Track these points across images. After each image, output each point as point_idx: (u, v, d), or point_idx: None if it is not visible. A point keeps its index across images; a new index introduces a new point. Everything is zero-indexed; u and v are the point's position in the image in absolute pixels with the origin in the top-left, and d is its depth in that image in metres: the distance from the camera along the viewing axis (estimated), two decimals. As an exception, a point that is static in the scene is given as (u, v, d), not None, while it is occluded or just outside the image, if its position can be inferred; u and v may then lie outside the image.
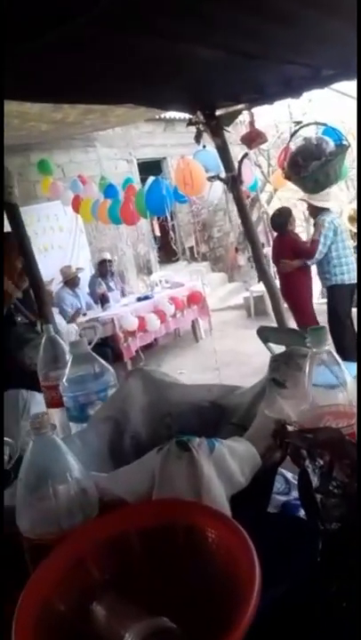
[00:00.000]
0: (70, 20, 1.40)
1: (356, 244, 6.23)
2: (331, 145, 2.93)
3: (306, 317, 5.18)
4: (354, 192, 11.30)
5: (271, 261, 5.59)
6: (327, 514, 0.76)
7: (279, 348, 3.58)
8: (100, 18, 1.41)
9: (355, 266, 5.16)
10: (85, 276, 7.57)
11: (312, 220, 5.72)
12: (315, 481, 0.78)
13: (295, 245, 5.29)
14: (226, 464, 0.77)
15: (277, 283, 4.89)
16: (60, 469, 0.76)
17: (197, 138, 3.07)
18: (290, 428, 0.92)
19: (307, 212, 9.10)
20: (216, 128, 3.04)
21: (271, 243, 5.79)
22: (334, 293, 5.10)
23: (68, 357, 1.40)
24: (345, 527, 0.74)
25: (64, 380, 1.35)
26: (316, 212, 5.26)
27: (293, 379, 1.00)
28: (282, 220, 5.44)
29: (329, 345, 0.91)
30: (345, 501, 0.77)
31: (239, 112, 3.07)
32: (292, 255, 5.18)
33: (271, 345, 3.29)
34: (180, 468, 0.75)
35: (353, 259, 5.17)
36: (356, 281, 5.09)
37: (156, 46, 1.75)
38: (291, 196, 6.23)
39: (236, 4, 1.54)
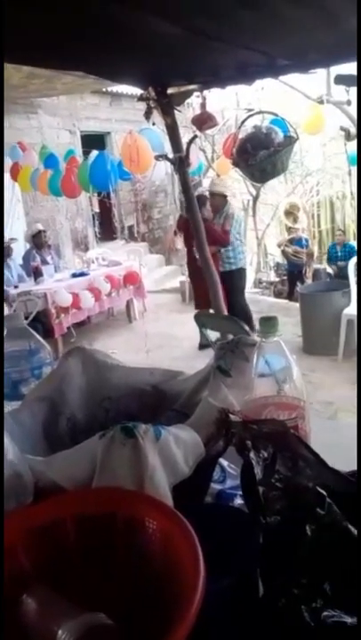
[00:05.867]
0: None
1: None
2: (280, 136, 2.94)
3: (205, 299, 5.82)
4: (291, 185, 11.51)
5: (183, 246, 6.19)
6: (268, 507, 0.76)
7: (215, 335, 3.61)
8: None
9: (243, 255, 6.46)
10: (19, 249, 7.31)
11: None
12: (258, 473, 0.77)
13: (213, 233, 5.55)
14: (171, 452, 0.75)
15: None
16: (-6, 452, 0.71)
17: (147, 114, 2.99)
18: (233, 418, 0.90)
19: (245, 202, 9.35)
20: (167, 106, 2.97)
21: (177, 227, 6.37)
22: (234, 275, 6.14)
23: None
24: (285, 521, 0.74)
25: (-4, 355, 1.28)
26: (222, 202, 6.05)
27: (239, 368, 0.99)
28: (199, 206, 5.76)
29: (279, 335, 0.89)
30: (286, 495, 0.76)
31: (191, 93, 3.01)
32: (209, 242, 5.38)
33: (207, 331, 3.29)
34: (124, 455, 0.71)
35: (241, 247, 6.39)
36: (243, 266, 6.36)
37: (115, 12, 1.67)
38: (230, 185, 6.59)
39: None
